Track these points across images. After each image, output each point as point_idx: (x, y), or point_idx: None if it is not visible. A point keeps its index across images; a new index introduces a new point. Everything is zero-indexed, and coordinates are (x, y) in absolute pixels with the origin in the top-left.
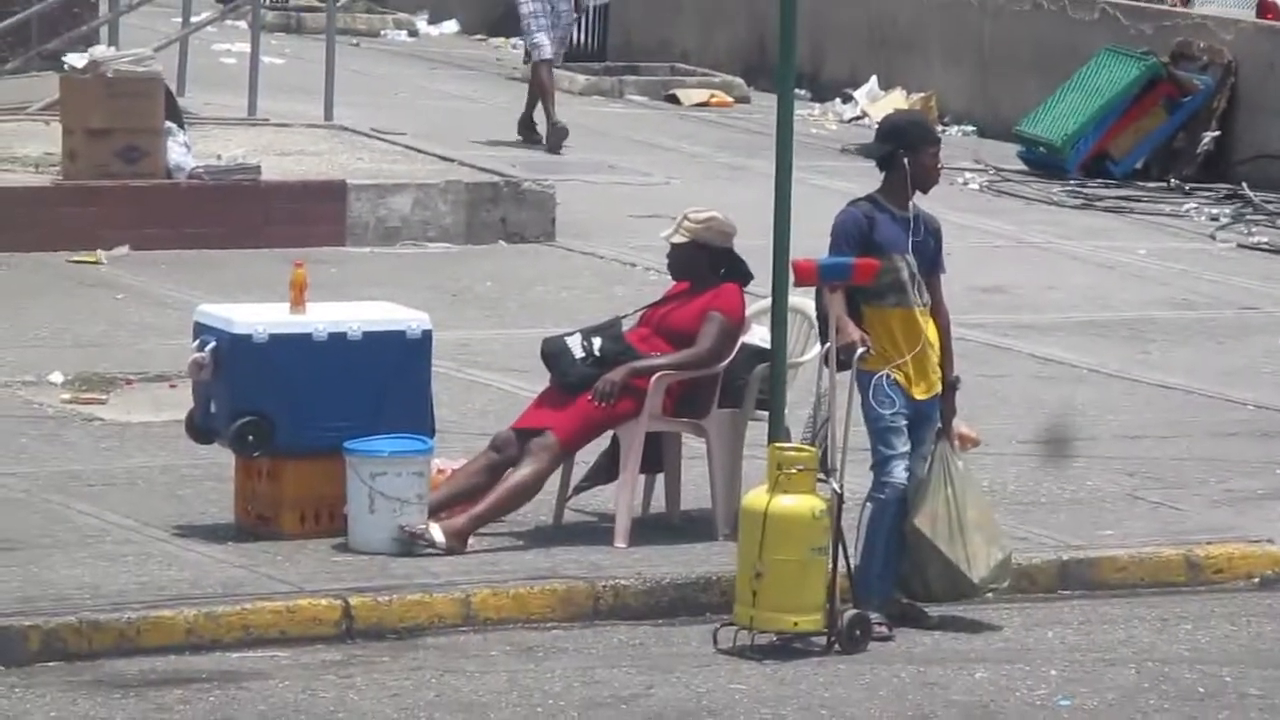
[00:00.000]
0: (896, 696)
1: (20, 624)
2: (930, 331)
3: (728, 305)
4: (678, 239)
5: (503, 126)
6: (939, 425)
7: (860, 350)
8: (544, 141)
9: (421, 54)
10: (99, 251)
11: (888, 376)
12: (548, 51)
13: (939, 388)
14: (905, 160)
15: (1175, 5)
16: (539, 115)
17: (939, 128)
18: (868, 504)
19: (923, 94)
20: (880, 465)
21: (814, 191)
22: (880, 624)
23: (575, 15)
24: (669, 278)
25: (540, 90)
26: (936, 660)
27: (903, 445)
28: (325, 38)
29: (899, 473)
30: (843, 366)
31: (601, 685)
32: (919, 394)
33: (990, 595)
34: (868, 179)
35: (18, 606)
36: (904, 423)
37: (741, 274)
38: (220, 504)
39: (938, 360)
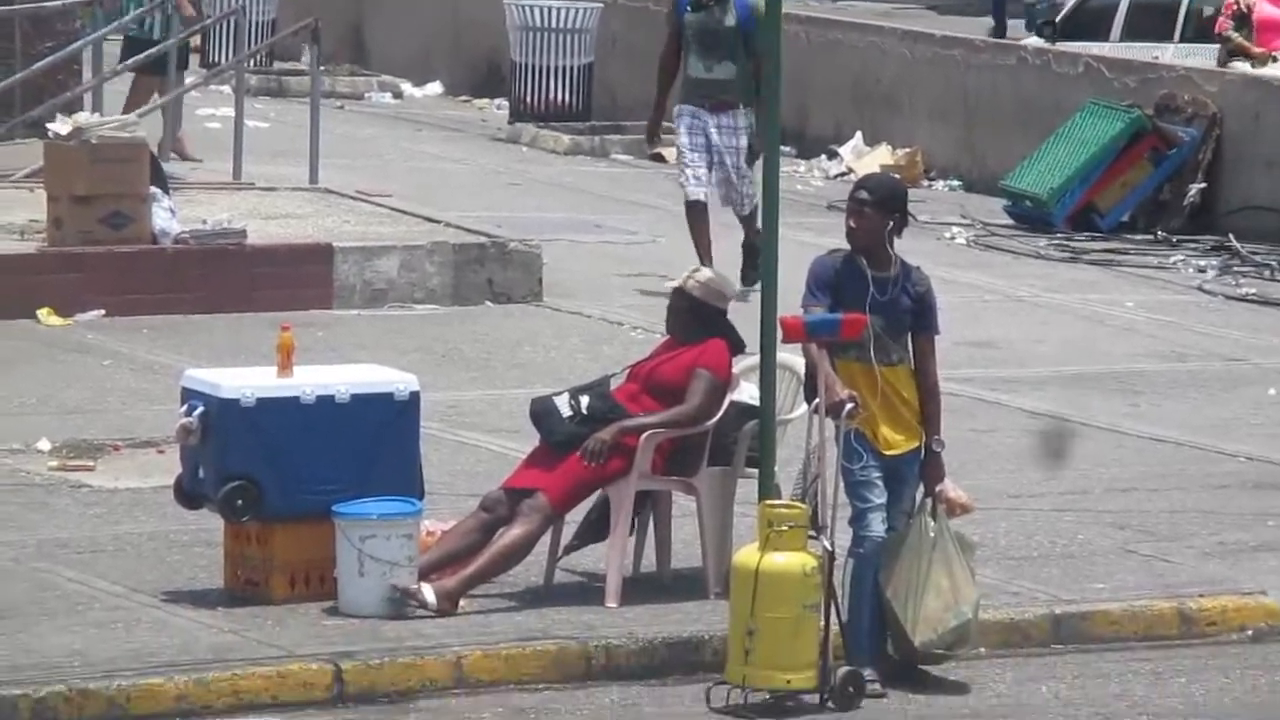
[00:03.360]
0: None
1: (10, 693)
2: (906, 389)
3: (715, 362)
4: (676, 284)
5: (488, 188)
6: (919, 484)
7: (849, 407)
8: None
9: (406, 116)
10: (77, 316)
11: (855, 431)
12: (692, 191)
13: (915, 446)
14: None
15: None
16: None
17: (924, 183)
18: (849, 560)
19: (908, 149)
20: (856, 519)
21: (801, 248)
22: (873, 680)
23: (744, 163)
24: (656, 335)
25: (691, 234)
26: (930, 717)
27: (877, 498)
28: (310, 101)
29: (876, 525)
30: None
31: None
32: (887, 449)
33: (939, 657)
34: None
35: (7, 675)
36: (876, 475)
37: (732, 340)
38: (209, 569)
39: (913, 419)
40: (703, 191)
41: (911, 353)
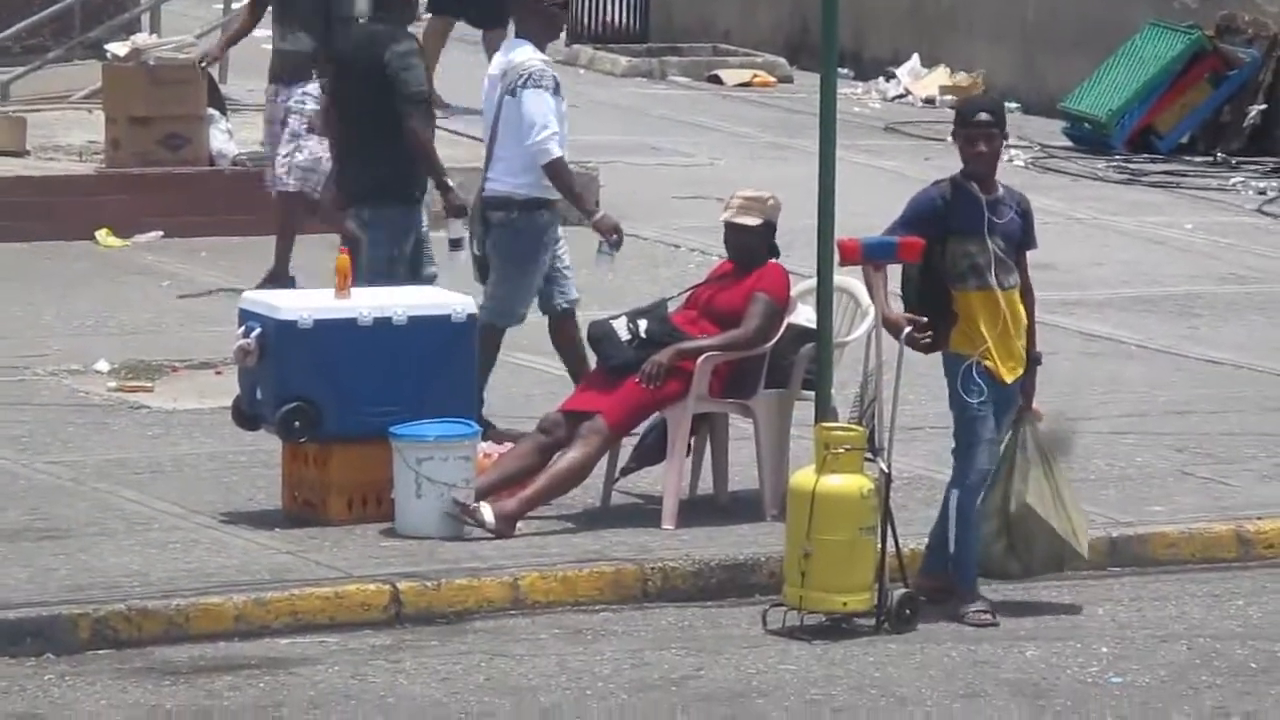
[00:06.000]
0: (947, 675)
1: (70, 612)
2: (1019, 311)
3: (773, 285)
4: (750, 221)
5: None
6: (1019, 403)
7: (907, 330)
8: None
9: (463, 37)
10: (135, 237)
11: (978, 364)
12: (268, 174)
13: (1022, 369)
14: (957, 144)
15: None
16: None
17: None
18: (953, 490)
19: (971, 72)
20: (965, 451)
21: (858, 170)
22: (985, 611)
23: (317, 154)
24: (713, 259)
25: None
26: (987, 638)
27: (988, 434)
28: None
29: (984, 461)
30: (922, 349)
31: (651, 667)
32: (1007, 377)
33: (1085, 563)
34: (911, 157)
35: (67, 595)
36: (991, 410)
37: (776, 252)
38: (267, 490)
39: (1023, 346)
40: (291, 181)
41: None
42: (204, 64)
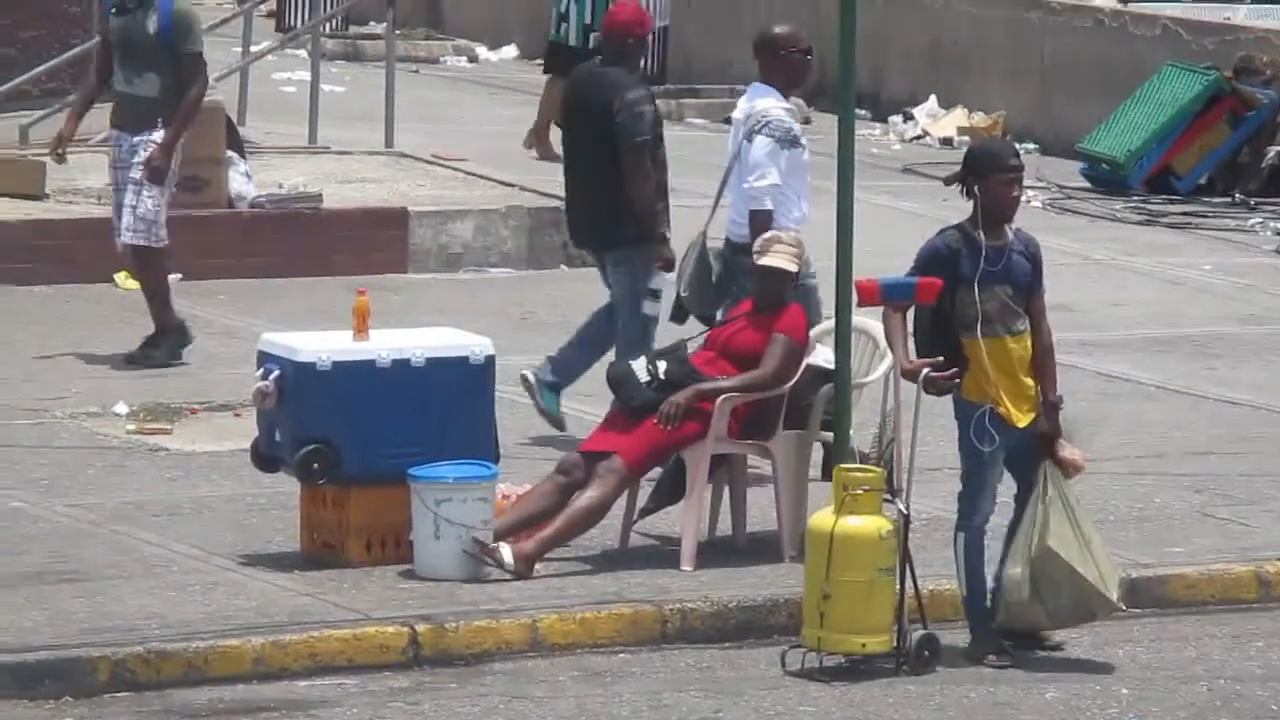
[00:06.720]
0: (966, 717)
1: (89, 654)
2: (1026, 355)
3: (792, 326)
4: (789, 266)
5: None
6: (1037, 445)
7: (925, 372)
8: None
9: (481, 80)
10: None
11: (991, 412)
12: (119, 240)
13: (1036, 411)
14: (976, 189)
15: None
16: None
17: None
18: (959, 534)
19: (992, 115)
20: (971, 495)
21: (876, 211)
22: (1001, 653)
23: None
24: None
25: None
26: (1006, 680)
27: (994, 479)
28: (385, 65)
29: (988, 506)
30: (940, 393)
31: (670, 709)
32: (1021, 423)
33: (1120, 612)
34: (928, 199)
35: (86, 637)
36: (1001, 456)
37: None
38: (286, 532)
39: (1034, 385)
40: (134, 236)
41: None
42: (59, 151)
